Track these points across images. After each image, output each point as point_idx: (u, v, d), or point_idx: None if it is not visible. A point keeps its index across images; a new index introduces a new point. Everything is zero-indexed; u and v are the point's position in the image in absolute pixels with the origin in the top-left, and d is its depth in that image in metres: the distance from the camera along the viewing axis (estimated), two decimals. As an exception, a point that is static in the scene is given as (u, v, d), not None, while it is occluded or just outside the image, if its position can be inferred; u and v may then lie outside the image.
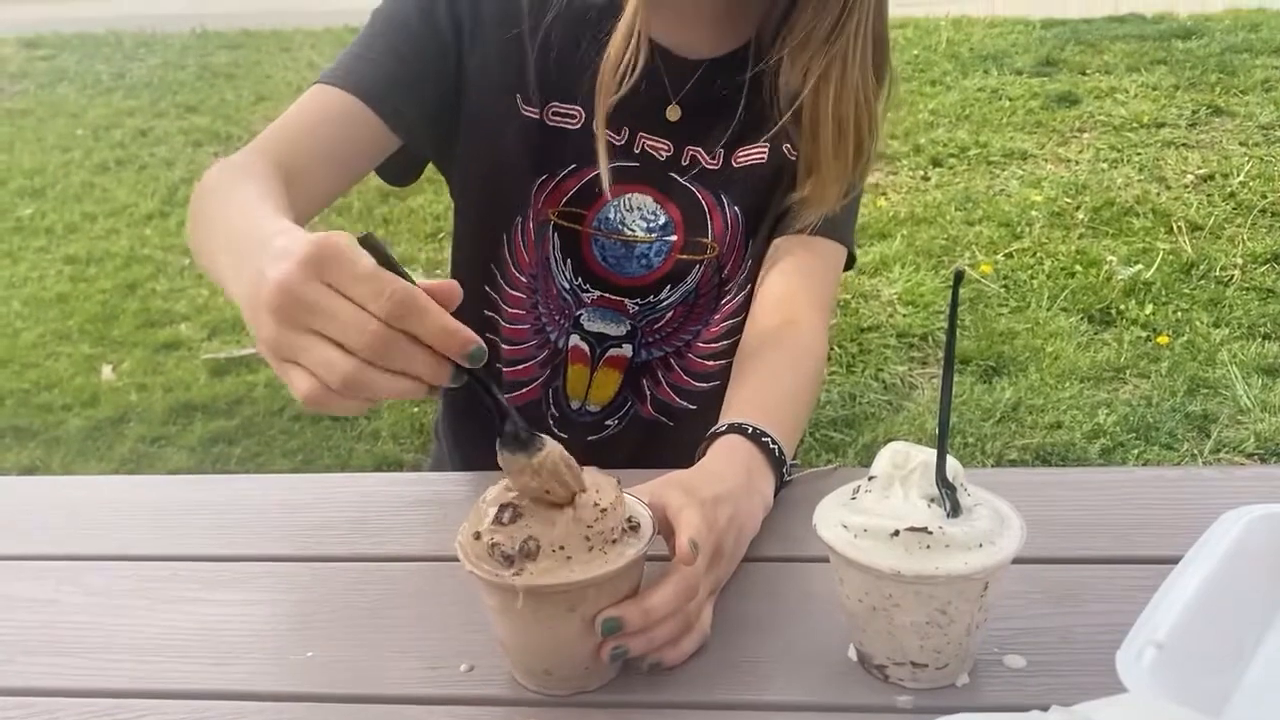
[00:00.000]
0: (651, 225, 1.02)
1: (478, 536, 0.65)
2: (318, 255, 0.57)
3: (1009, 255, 3.60)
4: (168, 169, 5.00)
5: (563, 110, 0.99)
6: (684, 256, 1.04)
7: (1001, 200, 3.97)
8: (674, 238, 1.03)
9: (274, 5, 8.06)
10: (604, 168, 0.96)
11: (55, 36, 8.24)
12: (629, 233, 1.02)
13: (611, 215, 1.02)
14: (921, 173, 4.23)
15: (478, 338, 0.59)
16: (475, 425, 1.19)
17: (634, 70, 0.93)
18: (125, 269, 4.03)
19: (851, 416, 2.82)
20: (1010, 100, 4.89)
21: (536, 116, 1.00)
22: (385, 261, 0.58)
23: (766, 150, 1.02)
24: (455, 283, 0.60)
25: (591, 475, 0.67)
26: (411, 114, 0.97)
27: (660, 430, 1.11)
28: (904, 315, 3.28)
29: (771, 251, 1.06)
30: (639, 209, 1.02)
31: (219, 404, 3.08)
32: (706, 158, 1.02)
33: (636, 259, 1.03)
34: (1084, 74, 5.17)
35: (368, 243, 0.58)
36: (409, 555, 0.86)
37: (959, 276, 0.60)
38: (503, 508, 0.65)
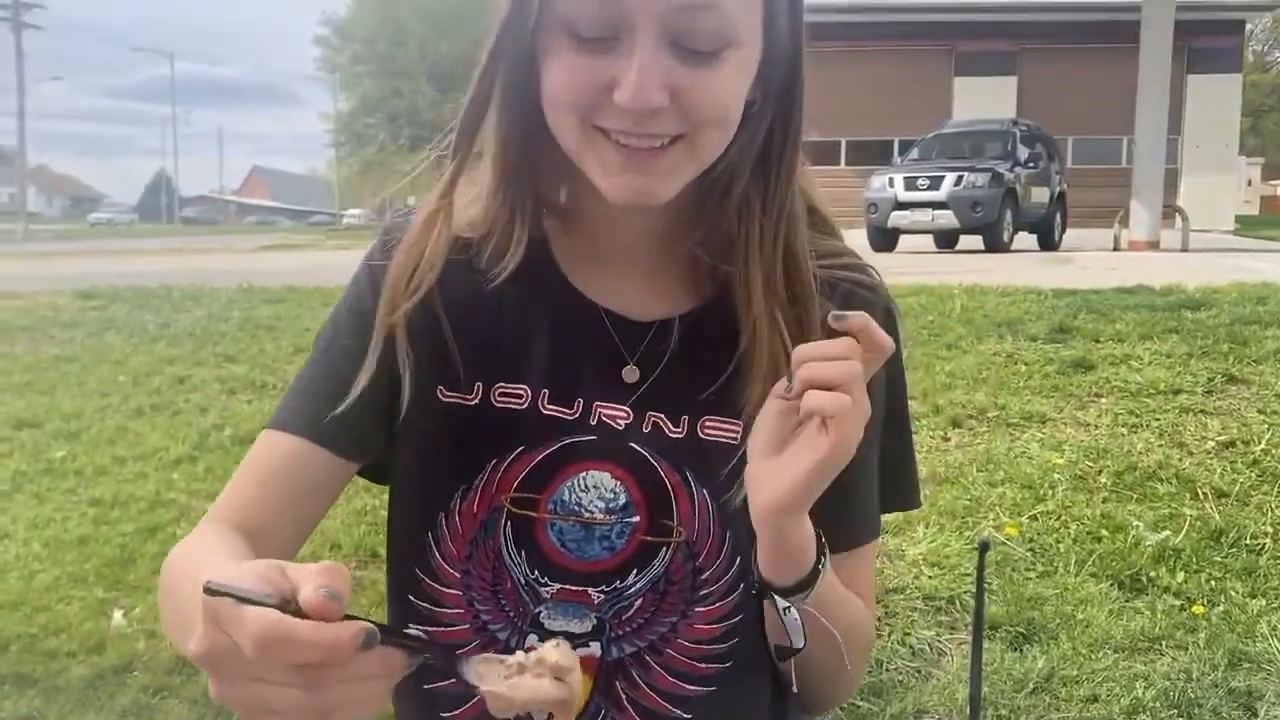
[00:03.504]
0: (611, 506, 0.92)
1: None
2: (208, 613, 0.59)
3: (1033, 518, 3.57)
4: (201, 415, 5.12)
5: (510, 390, 0.93)
6: (649, 539, 0.93)
7: (1023, 462, 3.97)
8: (636, 519, 0.92)
9: (318, 263, 8.49)
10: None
11: (109, 289, 8.68)
12: (586, 514, 0.93)
13: (567, 496, 0.92)
14: (941, 433, 4.27)
15: (357, 625, 0.57)
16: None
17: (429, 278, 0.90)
18: (149, 512, 4.04)
19: (879, 684, 2.71)
20: (1026, 365, 5.00)
21: (475, 402, 0.93)
22: (241, 599, 0.57)
23: (739, 430, 0.92)
24: (331, 571, 0.59)
25: None
26: (364, 439, 0.93)
27: None
28: (930, 577, 3.21)
29: None
30: (596, 488, 0.92)
31: (226, 654, 3.00)
32: (670, 426, 0.93)
33: (598, 540, 0.93)
34: (1097, 341, 5.30)
35: (212, 591, 0.58)
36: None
37: (984, 548, 0.60)
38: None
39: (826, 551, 0.85)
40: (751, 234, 0.89)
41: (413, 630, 0.93)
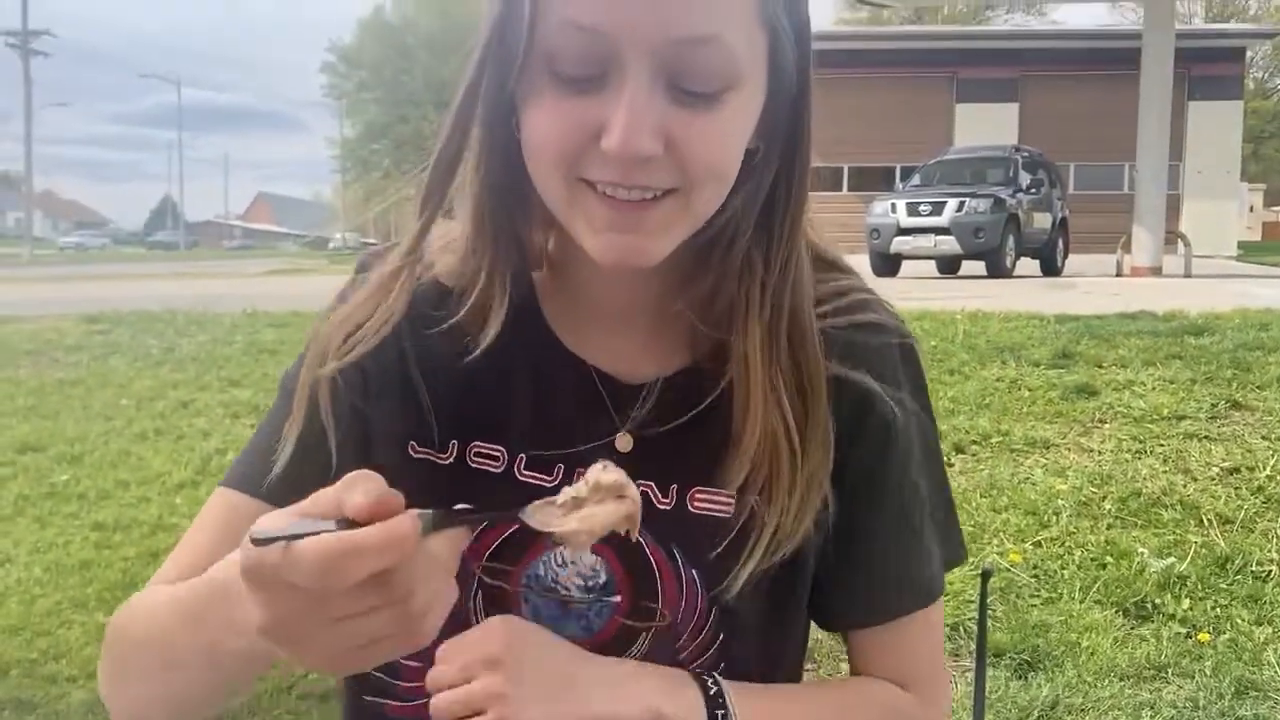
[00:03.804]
0: (590, 583, 0.84)
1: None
2: (255, 572, 0.56)
3: (1038, 544, 3.56)
4: (204, 439, 5.12)
5: (485, 450, 0.85)
6: (629, 622, 0.84)
7: (1027, 488, 3.96)
8: (617, 598, 0.84)
9: (323, 287, 8.51)
10: None
11: (114, 313, 8.71)
12: (563, 592, 0.85)
13: (542, 571, 0.84)
14: (945, 459, 4.27)
15: (413, 514, 0.56)
16: None
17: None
18: (151, 536, 4.04)
19: (882, 711, 2.70)
20: (1030, 390, 5.00)
21: (449, 461, 0.85)
22: (292, 537, 0.55)
23: (732, 503, 0.83)
24: (365, 475, 0.58)
25: None
26: None
27: None
28: (933, 604, 3.20)
29: (851, 655, 0.91)
30: (574, 564, 0.84)
31: (228, 680, 2.99)
32: (659, 496, 0.84)
33: (575, 618, 0.85)
34: (1100, 367, 5.30)
35: (259, 542, 0.55)
36: None
37: (986, 575, 0.60)
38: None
39: (729, 705, 0.78)
40: (751, 294, 0.80)
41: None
